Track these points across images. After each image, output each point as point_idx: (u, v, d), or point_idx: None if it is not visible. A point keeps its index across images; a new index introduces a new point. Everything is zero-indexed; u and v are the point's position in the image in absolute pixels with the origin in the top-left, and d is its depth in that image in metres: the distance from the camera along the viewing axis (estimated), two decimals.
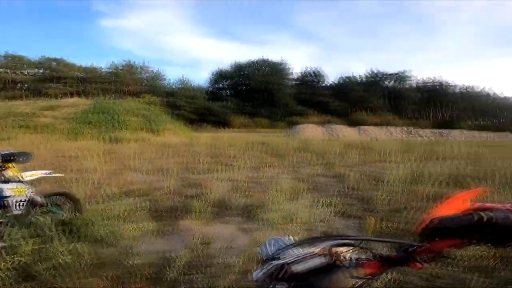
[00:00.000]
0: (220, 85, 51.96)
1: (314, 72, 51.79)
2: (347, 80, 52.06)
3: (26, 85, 40.52)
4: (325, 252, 0.62)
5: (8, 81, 39.34)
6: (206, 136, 15.98)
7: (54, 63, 41.75)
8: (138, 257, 2.48)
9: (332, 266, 0.60)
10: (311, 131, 21.33)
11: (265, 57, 49.42)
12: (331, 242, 0.62)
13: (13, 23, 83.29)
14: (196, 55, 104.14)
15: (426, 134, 28.00)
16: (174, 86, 46.51)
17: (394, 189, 4.83)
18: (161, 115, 19.31)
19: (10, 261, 1.65)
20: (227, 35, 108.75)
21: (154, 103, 35.62)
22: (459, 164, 7.40)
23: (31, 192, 2.91)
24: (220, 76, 50.99)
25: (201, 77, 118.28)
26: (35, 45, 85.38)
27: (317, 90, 49.92)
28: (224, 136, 15.82)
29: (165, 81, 48.98)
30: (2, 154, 2.93)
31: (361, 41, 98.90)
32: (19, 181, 2.89)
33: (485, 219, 0.53)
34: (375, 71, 52.02)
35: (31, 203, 2.87)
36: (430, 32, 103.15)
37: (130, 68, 45.54)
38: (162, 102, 39.50)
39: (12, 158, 2.97)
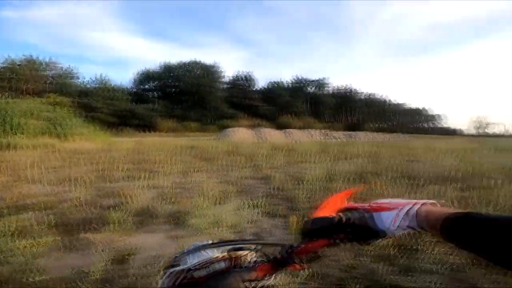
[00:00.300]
0: (146, 86, 48.36)
1: (245, 76, 53.17)
2: (276, 85, 55.21)
3: None
4: (225, 257, 0.62)
5: None
6: (128, 141, 14.60)
7: None
8: (39, 273, 2.28)
9: (230, 270, 0.60)
10: (241, 135, 21.83)
11: (197, 59, 48.36)
12: (230, 247, 0.63)
13: None
14: (121, 54, 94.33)
15: (339, 136, 32.00)
16: (89, 86, 41.02)
17: (313, 188, 5.33)
18: (71, 118, 16.74)
19: None
20: (157, 34, 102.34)
21: (62, 104, 30.75)
22: (362, 162, 8.70)
23: None
24: (147, 76, 47.45)
25: (127, 77, 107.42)
26: None
27: (247, 94, 51.35)
28: (150, 140, 14.75)
29: (78, 79, 42.73)
30: None
31: (289, 48, 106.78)
32: None
33: (343, 220, 0.58)
34: (300, 78, 56.74)
35: None
36: (345, 42, 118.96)
37: (31, 64, 38.04)
38: (73, 103, 34.39)
39: None
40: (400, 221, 0.54)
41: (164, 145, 12.81)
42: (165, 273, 0.59)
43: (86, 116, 29.64)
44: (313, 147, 12.95)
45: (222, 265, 0.61)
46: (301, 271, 2.13)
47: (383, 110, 64.07)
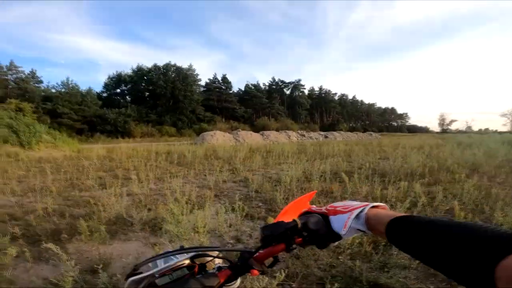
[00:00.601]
0: (118, 90, 46.38)
1: (222, 79, 52.93)
2: (252, 87, 55.46)
3: None
4: (188, 264, 0.63)
5: None
6: (99, 148, 13.92)
7: None
8: (6, 284, 2.26)
9: (193, 277, 0.60)
10: (219, 138, 21.66)
11: (171, 62, 47.14)
12: (193, 253, 0.63)
13: None
14: (90, 56, 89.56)
15: (316, 136, 32.80)
16: (54, 90, 38.62)
17: (291, 188, 5.42)
18: (34, 124, 15.67)
19: None
20: (129, 36, 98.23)
21: (25, 110, 28.73)
22: (337, 161, 8.98)
23: None
24: (118, 80, 45.49)
25: (97, 81, 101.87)
26: None
27: (224, 96, 51.12)
28: (123, 147, 14.15)
29: (42, 84, 40.09)
30: None
31: (264, 51, 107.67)
32: None
33: (299, 224, 0.59)
34: (276, 80, 57.49)
35: None
36: (318, 45, 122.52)
37: None
38: (37, 109, 32.22)
39: None
40: (351, 224, 0.55)
41: (138, 151, 12.38)
42: (126, 281, 0.58)
43: (52, 123, 27.95)
44: (290, 148, 13.16)
45: (186, 271, 0.61)
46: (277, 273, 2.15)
47: (356, 110, 66.81)
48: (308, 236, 0.61)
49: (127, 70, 47.11)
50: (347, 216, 0.57)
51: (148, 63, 48.35)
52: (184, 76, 46.36)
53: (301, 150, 12.94)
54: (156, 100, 43.71)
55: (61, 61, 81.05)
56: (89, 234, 3.19)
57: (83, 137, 29.89)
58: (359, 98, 70.48)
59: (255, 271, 0.59)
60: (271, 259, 0.63)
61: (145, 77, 45.92)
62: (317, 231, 0.60)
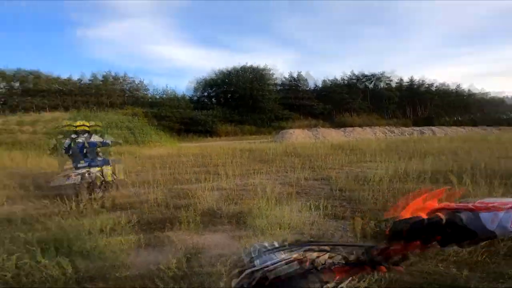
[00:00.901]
0: (205, 94, 51.55)
1: (297, 77, 52.58)
2: (330, 83, 53.12)
3: (2, 100, 38.63)
4: (300, 258, 0.62)
5: None
6: (192, 146, 15.83)
7: (30, 76, 40.14)
8: (125, 269, 2.47)
9: (306, 272, 0.60)
10: (298, 135, 21.57)
11: (248, 64, 49.55)
12: (305, 248, 0.63)
13: None
14: (179, 64, 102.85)
15: (409, 132, 28.91)
16: (158, 96, 45.86)
17: (381, 188, 4.93)
18: (146, 126, 19.00)
19: None
20: (209, 42, 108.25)
21: (138, 115, 35.12)
22: (441, 160, 7.67)
23: None
24: (204, 84, 50.64)
25: (185, 86, 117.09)
26: (8, 57, 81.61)
27: (301, 94, 50.58)
28: (211, 145, 15.72)
29: (148, 91, 48.18)
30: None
31: (341, 45, 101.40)
32: None
33: (443, 221, 0.54)
34: (356, 73, 53.40)
35: None
36: (405, 33, 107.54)
37: (110, 79, 44.55)
38: (146, 113, 38.92)
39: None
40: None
41: (224, 149, 13.48)
42: (240, 273, 0.61)
43: (157, 125, 33.27)
44: (377, 145, 11.99)
45: (297, 266, 0.61)
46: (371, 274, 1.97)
47: (462, 101, 55.51)
48: (452, 234, 0.55)
49: (210, 74, 51.62)
50: (503, 213, 0.51)
51: (228, 66, 51.95)
52: (261, 76, 48.00)
53: (391, 147, 11.61)
54: (238, 101, 46.72)
55: (160, 71, 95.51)
56: (187, 224, 3.60)
57: (181, 137, 34.52)
58: (463, 87, 58.03)
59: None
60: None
61: (226, 80, 49.57)
62: (468, 228, 0.54)
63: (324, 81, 54.08)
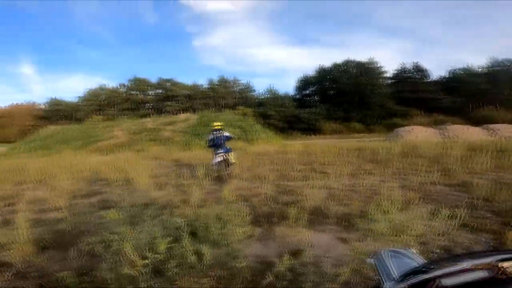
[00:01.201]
0: (307, 92, 51.32)
1: (413, 68, 45.08)
2: (462, 72, 42.80)
3: (151, 104, 50.27)
4: (487, 266, 0.55)
5: (139, 101, 49.82)
6: (297, 144, 16.03)
7: (168, 84, 50.40)
8: (240, 260, 2.61)
9: (494, 281, 0.52)
10: (418, 134, 18.44)
11: (350, 59, 46.11)
12: (499, 256, 0.55)
13: (129, 49, 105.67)
14: (280, 64, 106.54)
15: None
16: (263, 96, 48.92)
17: None
18: (254, 125, 20.57)
19: (149, 257, 1.92)
20: (306, 41, 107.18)
21: (247, 114, 38.54)
22: None
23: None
24: (305, 82, 50.49)
25: (288, 86, 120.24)
26: (151, 68, 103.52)
27: (420, 86, 43.05)
28: (315, 143, 15.48)
29: (255, 92, 52.10)
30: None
31: (462, 30, 79.65)
32: None
33: None
34: (500, 59, 40.89)
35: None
36: None
37: (223, 83, 50.66)
38: (254, 113, 42.22)
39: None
40: None
41: (329, 147, 13.02)
42: (404, 278, 0.55)
43: (263, 123, 35.55)
44: None
45: (482, 274, 0.54)
46: None
47: None
48: None
49: (311, 72, 50.71)
50: None
51: (328, 63, 49.66)
52: (366, 70, 43.60)
53: None
54: (342, 97, 44.15)
55: (262, 72, 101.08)
56: (294, 221, 3.63)
57: (285, 135, 35.73)
58: None
59: None
60: None
61: (328, 77, 47.59)
62: None
63: (451, 71, 44.15)
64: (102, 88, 51.49)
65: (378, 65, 45.30)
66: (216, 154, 6.82)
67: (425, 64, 45.42)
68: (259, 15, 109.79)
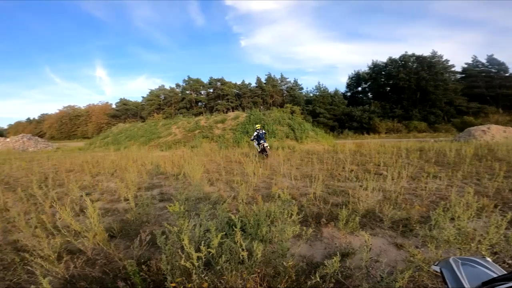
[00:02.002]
0: (359, 89, 48.39)
1: (488, 61, 38.98)
2: None
3: (203, 103, 53.11)
4: None
5: (193, 100, 53.03)
6: (348, 143, 15.27)
7: (218, 83, 52.56)
8: (287, 258, 2.57)
9: None
10: (495, 134, 15.93)
11: (408, 53, 41.60)
12: None
13: (183, 51, 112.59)
14: (328, 61, 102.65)
15: None
16: (311, 94, 47.61)
17: None
18: (303, 123, 20.19)
19: (203, 251, 2.00)
20: (356, 36, 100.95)
21: (295, 112, 38.06)
22: None
23: None
24: (357, 79, 47.57)
25: (338, 83, 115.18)
26: (203, 68, 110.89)
27: (497, 81, 37.07)
28: (369, 142, 14.51)
29: (303, 90, 51.00)
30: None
31: None
32: None
33: None
34: None
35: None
36: None
37: (271, 81, 50.72)
38: (302, 111, 41.51)
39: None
40: None
41: (386, 147, 12.10)
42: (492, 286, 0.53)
43: (313, 122, 34.68)
44: None
45: None
46: None
47: None
48: None
49: (364, 68, 47.47)
50: None
51: (381, 58, 45.71)
52: (429, 65, 38.93)
53: None
54: (400, 94, 40.42)
55: (310, 70, 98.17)
56: (344, 223, 3.46)
57: (335, 134, 34.35)
58: None
59: None
60: None
61: (383, 72, 43.96)
62: None
63: None
64: (161, 89, 56.40)
65: (443, 59, 40.42)
66: (259, 144, 10.91)
67: (501, 57, 38.62)
68: (304, 12, 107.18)
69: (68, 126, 67.01)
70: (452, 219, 3.24)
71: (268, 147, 10.72)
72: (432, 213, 3.10)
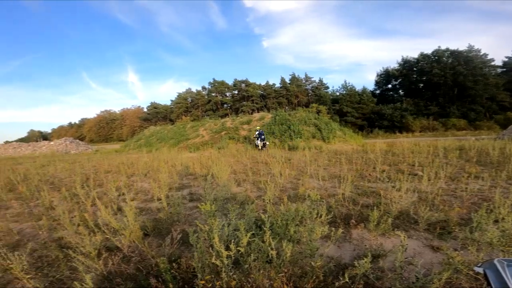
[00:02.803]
0: (389, 86, 46.19)
1: None
2: None
3: (229, 105, 53.90)
4: None
5: (218, 102, 54.00)
6: (379, 142, 14.65)
7: (243, 85, 53.00)
8: (315, 259, 2.56)
9: None
10: None
11: (442, 47, 38.98)
12: None
13: (207, 54, 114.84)
14: (354, 59, 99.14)
15: None
16: (338, 93, 46.33)
17: None
18: (330, 123, 19.72)
19: (232, 250, 2.03)
20: (382, 32, 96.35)
21: (322, 112, 37.28)
22: None
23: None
24: (387, 76, 45.45)
25: (365, 81, 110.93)
26: (227, 70, 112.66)
27: None
28: (402, 141, 13.78)
29: (329, 89, 49.79)
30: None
31: None
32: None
33: None
34: None
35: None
36: None
37: (295, 81, 50.11)
38: (328, 110, 40.55)
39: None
40: None
41: (420, 146, 11.44)
42: None
43: (340, 121, 33.75)
44: None
45: None
46: None
47: None
48: None
49: (393, 65, 45.21)
50: None
51: (411, 54, 43.09)
52: (466, 59, 36.06)
53: None
54: (435, 91, 37.94)
55: (335, 68, 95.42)
56: (375, 224, 3.33)
57: (364, 133, 33.13)
58: None
59: None
60: None
61: (415, 68, 41.58)
62: None
63: None
64: (188, 92, 58.23)
65: (481, 53, 37.35)
66: (260, 140, 15.27)
67: None
68: (325, 11, 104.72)
69: (105, 129, 71.60)
70: (496, 221, 3.03)
71: (267, 143, 15.91)
72: (474, 215, 2.90)
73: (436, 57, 39.14)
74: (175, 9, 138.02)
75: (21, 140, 71.96)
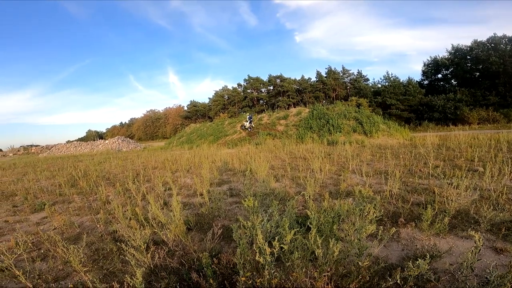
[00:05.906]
0: (439, 76, 42.00)
1: None
2: None
3: (265, 101, 53.84)
4: None
5: (254, 98, 54.21)
6: (429, 136, 13.42)
7: (278, 80, 52.41)
8: (363, 258, 2.45)
9: None
10: None
11: (498, 34, 34.49)
12: None
13: (241, 51, 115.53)
14: (395, 49, 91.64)
15: None
16: (379, 85, 43.39)
17: None
18: (372, 116, 18.61)
19: (276, 247, 1.99)
20: (424, 21, 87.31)
21: (362, 105, 35.34)
22: None
23: None
24: (436, 65, 41.38)
25: (410, 71, 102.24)
26: (262, 66, 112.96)
27: None
28: (458, 135, 12.44)
29: (369, 81, 46.91)
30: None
31: None
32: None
33: None
34: None
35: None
36: None
37: (332, 74, 48.02)
38: (370, 103, 38.32)
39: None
40: None
41: (480, 139, 10.22)
42: None
43: (383, 114, 31.67)
44: None
45: None
46: None
47: None
48: None
49: (441, 54, 40.71)
50: None
51: (461, 42, 38.38)
52: None
53: None
54: (494, 80, 33.63)
55: (374, 59, 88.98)
56: (428, 223, 3.05)
57: (411, 126, 30.72)
58: None
59: None
60: None
61: (468, 57, 37.25)
62: None
63: None
64: (224, 89, 59.52)
65: None
66: (249, 123, 20.99)
67: None
68: (357, 2, 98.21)
69: (151, 128, 76.81)
70: None
71: (253, 126, 21.10)
72: None
73: (492, 45, 34.96)
74: (206, 11, 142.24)
75: (81, 139, 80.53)
